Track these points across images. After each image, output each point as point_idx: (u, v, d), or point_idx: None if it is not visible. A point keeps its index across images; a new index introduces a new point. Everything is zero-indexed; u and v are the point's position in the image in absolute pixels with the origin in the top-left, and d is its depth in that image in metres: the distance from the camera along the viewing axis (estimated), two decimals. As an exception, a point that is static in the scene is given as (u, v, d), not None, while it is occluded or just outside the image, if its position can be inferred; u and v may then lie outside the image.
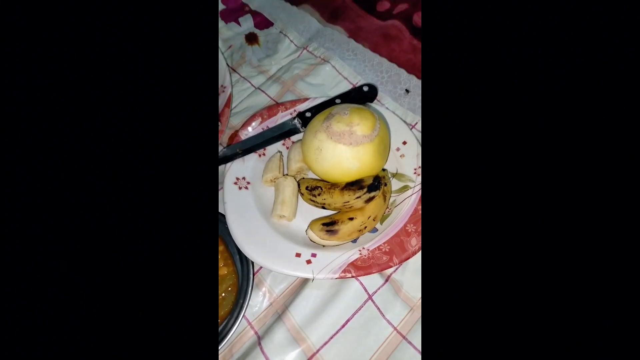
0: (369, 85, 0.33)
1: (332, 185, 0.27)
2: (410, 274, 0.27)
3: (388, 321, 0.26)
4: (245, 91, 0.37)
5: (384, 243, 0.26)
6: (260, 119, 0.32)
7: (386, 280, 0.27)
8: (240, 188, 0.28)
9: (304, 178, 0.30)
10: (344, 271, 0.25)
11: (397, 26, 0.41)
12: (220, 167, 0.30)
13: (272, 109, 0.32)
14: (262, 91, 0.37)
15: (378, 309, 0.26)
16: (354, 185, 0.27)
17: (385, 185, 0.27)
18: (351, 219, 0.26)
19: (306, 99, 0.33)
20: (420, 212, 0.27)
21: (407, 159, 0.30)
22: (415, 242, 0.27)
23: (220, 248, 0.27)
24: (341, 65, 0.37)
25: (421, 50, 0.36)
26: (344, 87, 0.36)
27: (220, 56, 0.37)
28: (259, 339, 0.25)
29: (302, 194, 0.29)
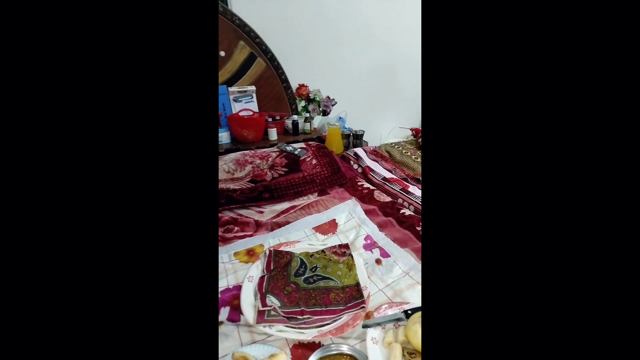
0: (442, 303, 0.64)
1: (421, 353, 0.55)
2: None
3: None
4: (377, 294, 0.72)
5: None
6: (387, 306, 0.65)
7: None
8: (375, 343, 0.58)
9: (405, 347, 0.58)
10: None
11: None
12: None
13: (391, 304, 0.66)
14: (383, 292, 0.72)
15: None
16: (433, 356, 0.54)
17: None
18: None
19: (407, 303, 0.66)
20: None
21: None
22: None
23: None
24: (427, 287, 0.71)
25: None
26: (428, 300, 0.68)
27: (364, 270, 0.76)
28: None
29: (404, 355, 0.56)
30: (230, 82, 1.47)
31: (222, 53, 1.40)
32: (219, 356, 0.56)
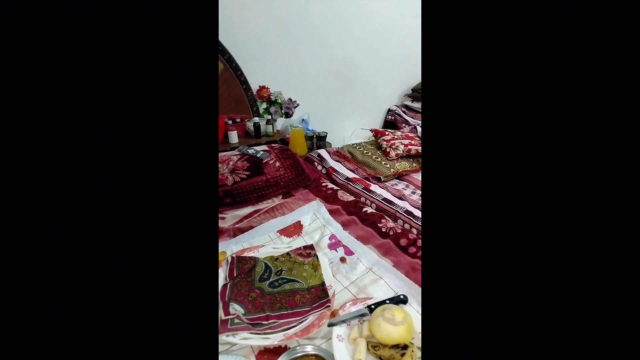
0: (404, 295, 0.67)
1: (384, 346, 0.57)
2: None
3: None
4: (342, 292, 0.74)
5: None
6: (351, 303, 0.66)
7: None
8: (340, 341, 0.59)
9: (369, 341, 0.60)
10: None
11: (420, 263, 0.79)
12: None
13: (356, 301, 0.67)
14: (348, 290, 0.73)
15: None
16: (396, 347, 0.56)
17: (407, 347, 0.55)
18: (394, 365, 0.54)
19: (371, 298, 0.68)
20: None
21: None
22: None
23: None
24: (389, 281, 0.74)
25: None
26: (391, 293, 0.71)
27: (329, 269, 0.77)
28: None
29: (368, 349, 0.58)
30: (186, 83, 1.40)
31: (176, 53, 1.33)
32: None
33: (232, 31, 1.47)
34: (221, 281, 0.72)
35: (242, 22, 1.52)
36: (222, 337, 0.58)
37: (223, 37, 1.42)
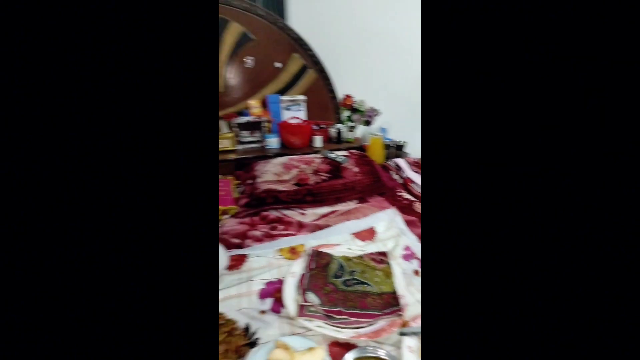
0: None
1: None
2: None
3: None
4: (414, 305, 0.73)
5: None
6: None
7: None
8: (411, 352, 0.59)
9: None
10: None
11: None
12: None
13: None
14: (420, 304, 0.72)
15: None
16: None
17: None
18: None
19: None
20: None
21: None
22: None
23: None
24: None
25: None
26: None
27: (402, 279, 0.77)
28: None
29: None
30: (283, 91, 1.57)
31: (280, 64, 1.52)
32: (263, 342, 0.61)
33: (325, 44, 1.58)
34: (300, 270, 0.79)
35: (336, 35, 1.62)
36: (300, 321, 0.64)
37: (317, 49, 1.55)
